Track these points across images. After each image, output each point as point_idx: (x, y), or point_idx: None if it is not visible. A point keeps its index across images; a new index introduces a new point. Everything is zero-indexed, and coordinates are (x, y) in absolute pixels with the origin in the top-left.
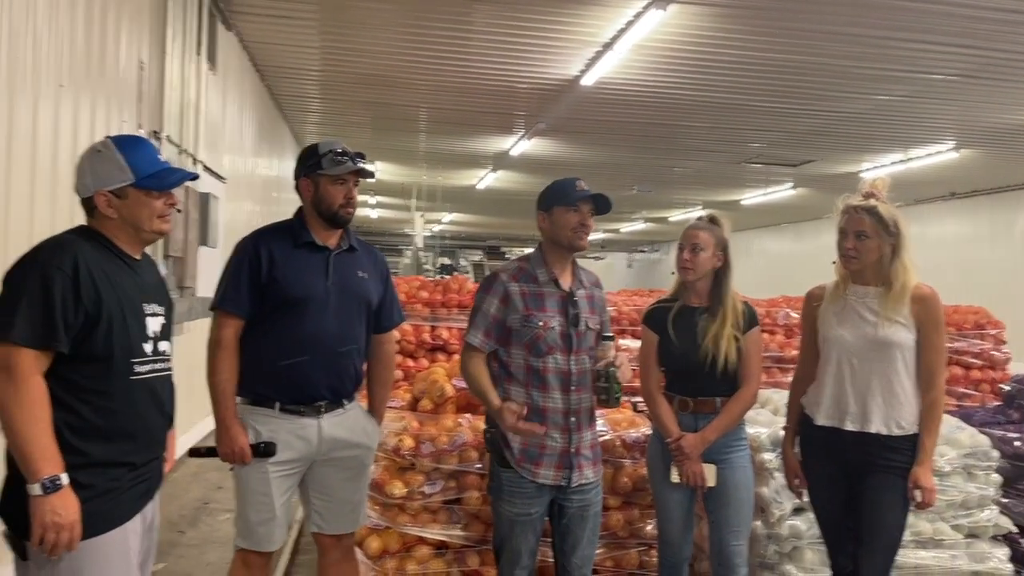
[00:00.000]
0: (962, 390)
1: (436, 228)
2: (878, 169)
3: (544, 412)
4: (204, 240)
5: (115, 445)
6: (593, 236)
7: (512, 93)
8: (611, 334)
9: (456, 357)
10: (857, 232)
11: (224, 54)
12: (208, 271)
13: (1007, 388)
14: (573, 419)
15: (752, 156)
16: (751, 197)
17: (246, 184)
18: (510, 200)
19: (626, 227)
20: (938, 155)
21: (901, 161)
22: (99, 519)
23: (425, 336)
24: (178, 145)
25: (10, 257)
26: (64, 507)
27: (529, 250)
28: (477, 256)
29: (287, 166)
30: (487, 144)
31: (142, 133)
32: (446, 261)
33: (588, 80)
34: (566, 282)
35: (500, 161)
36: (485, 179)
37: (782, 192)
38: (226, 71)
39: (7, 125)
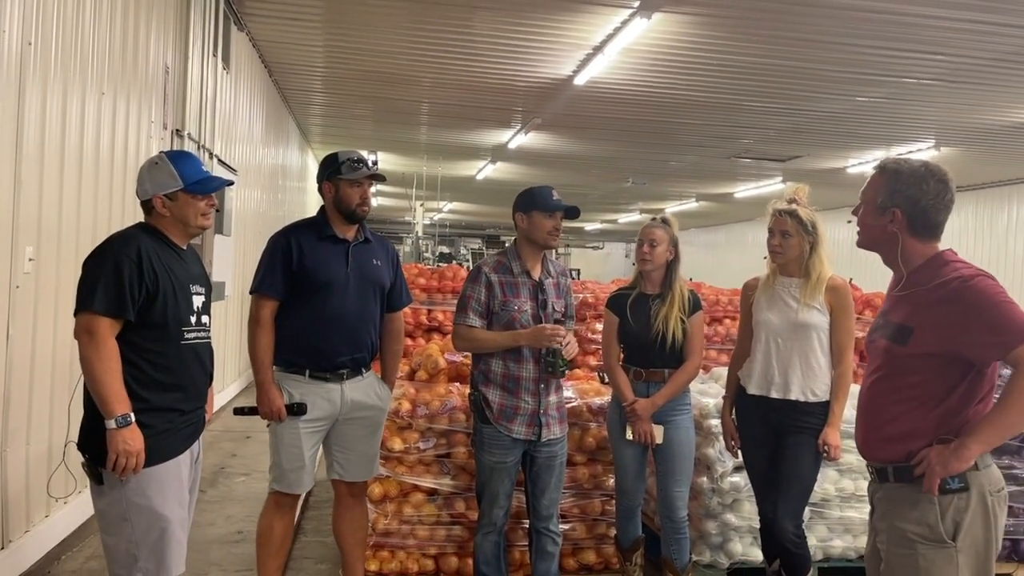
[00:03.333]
0: None
1: (436, 217)
2: (863, 165)
3: (518, 379)
4: (220, 229)
5: (169, 394)
6: (592, 226)
7: (510, 90)
8: (562, 319)
9: (450, 337)
10: (782, 231)
11: (236, 53)
12: (223, 257)
13: None
14: (542, 385)
15: (741, 151)
16: (744, 190)
17: (254, 173)
18: (508, 190)
19: (623, 218)
20: (919, 152)
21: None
22: (158, 452)
23: (422, 318)
24: (197, 141)
25: (66, 233)
26: (133, 438)
27: None
28: (476, 244)
29: (291, 155)
30: (486, 137)
31: (167, 132)
32: (445, 249)
33: (580, 80)
34: (536, 273)
35: (499, 153)
36: (484, 170)
37: (772, 186)
38: (238, 69)
39: (61, 122)
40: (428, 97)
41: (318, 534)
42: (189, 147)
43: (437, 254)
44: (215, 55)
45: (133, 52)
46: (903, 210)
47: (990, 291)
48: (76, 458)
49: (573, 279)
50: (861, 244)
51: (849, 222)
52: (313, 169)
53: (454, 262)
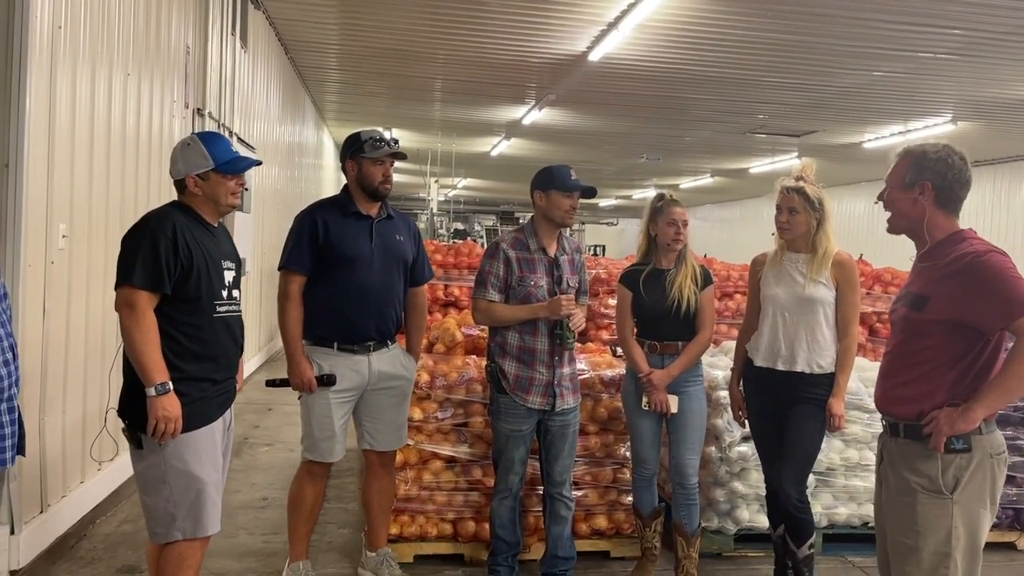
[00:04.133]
0: None
1: (450, 193)
2: (880, 140)
3: (534, 351)
4: (239, 207)
5: (203, 364)
6: (606, 202)
7: (524, 66)
8: (574, 293)
9: (466, 312)
10: (789, 208)
11: (254, 32)
12: (243, 234)
13: None
14: (556, 357)
15: (757, 127)
16: (759, 165)
17: (271, 151)
18: (522, 166)
19: (638, 194)
20: (936, 127)
21: (901, 132)
22: (193, 419)
23: (439, 293)
24: (217, 120)
25: (95, 211)
26: (171, 405)
27: None
28: (490, 221)
29: (308, 133)
30: (500, 113)
31: (188, 111)
32: (460, 226)
33: (595, 56)
34: (552, 249)
35: (513, 129)
36: (498, 146)
37: (788, 161)
38: (255, 48)
39: (90, 103)
40: (442, 74)
41: (340, 501)
42: (210, 125)
43: (452, 231)
44: (233, 34)
45: (156, 32)
46: (932, 183)
47: (1000, 266)
48: (115, 424)
49: (597, 256)
50: (892, 229)
51: (876, 203)
52: (328, 146)
53: (468, 238)
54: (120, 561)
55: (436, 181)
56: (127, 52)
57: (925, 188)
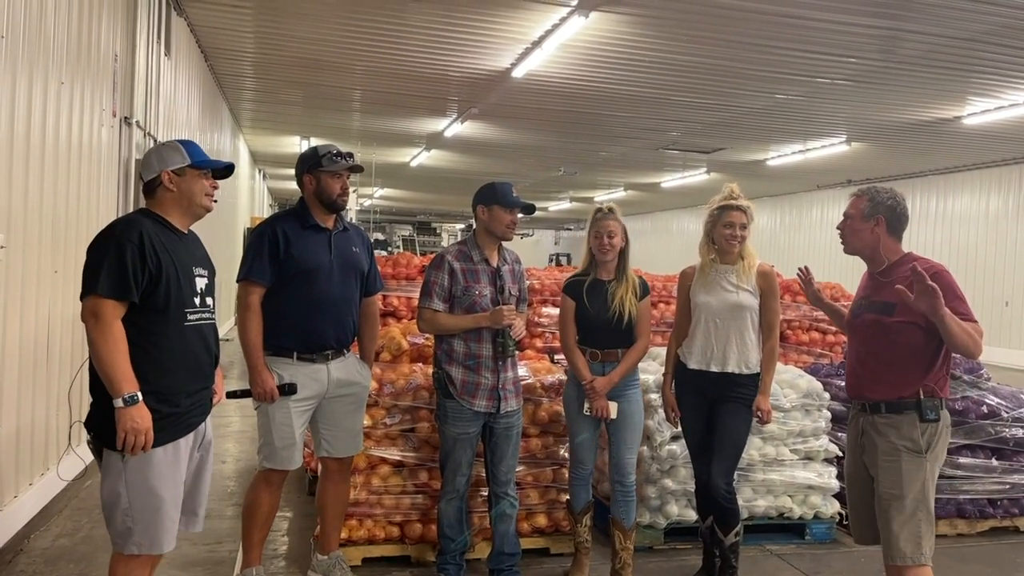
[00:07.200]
0: (819, 350)
1: (367, 203)
2: (782, 158)
3: (479, 358)
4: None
5: (175, 375)
6: (521, 213)
7: (446, 80)
8: (514, 302)
9: (405, 321)
10: (740, 224)
11: (176, 39)
12: None
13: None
14: (500, 363)
15: (669, 143)
16: (670, 180)
17: None
18: (441, 177)
19: (554, 206)
20: (832, 147)
21: (801, 151)
22: (163, 435)
23: (378, 303)
24: (144, 129)
25: (31, 220)
26: (141, 416)
27: (459, 226)
28: (407, 231)
29: (225, 141)
30: (421, 125)
31: (116, 120)
32: (380, 236)
33: (518, 73)
34: (494, 260)
35: (434, 141)
36: (418, 157)
37: (697, 176)
38: (178, 55)
39: (27, 112)
40: (361, 84)
41: (279, 510)
42: (136, 134)
43: (372, 240)
44: (159, 41)
45: (88, 40)
46: (885, 216)
47: (950, 279)
48: (54, 437)
49: (563, 265)
50: (848, 250)
51: (837, 230)
52: (244, 155)
53: (389, 249)
54: (62, 574)
55: (355, 191)
56: (61, 60)
57: (879, 221)
